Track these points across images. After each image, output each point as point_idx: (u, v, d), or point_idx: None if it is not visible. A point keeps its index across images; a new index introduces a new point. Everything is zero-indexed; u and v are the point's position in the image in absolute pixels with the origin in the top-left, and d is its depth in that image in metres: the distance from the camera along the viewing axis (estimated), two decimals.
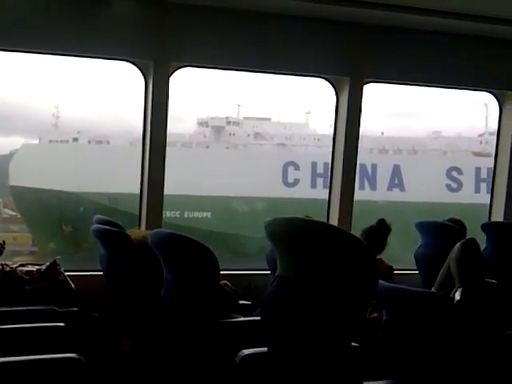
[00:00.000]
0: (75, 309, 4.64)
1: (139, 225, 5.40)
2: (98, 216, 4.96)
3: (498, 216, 6.41)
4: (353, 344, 2.79)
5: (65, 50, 5.16)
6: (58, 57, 5.34)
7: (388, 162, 14.45)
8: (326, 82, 5.82)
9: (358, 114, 5.81)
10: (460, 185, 14.31)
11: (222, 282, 4.38)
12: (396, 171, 14.21)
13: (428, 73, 5.96)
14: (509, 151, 6.33)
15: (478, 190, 14.10)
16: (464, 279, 3.90)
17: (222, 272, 3.91)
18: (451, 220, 5.55)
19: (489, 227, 5.75)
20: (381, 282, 2.97)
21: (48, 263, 4.85)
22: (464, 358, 3.41)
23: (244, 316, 4.26)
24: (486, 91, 6.41)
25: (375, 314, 4.43)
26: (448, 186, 14.29)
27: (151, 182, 5.35)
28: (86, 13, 5.04)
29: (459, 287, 3.86)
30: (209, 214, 12.99)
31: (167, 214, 10.70)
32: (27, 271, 4.78)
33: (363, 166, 13.68)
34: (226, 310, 4.18)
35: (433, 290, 4.31)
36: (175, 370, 4.21)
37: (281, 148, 14.47)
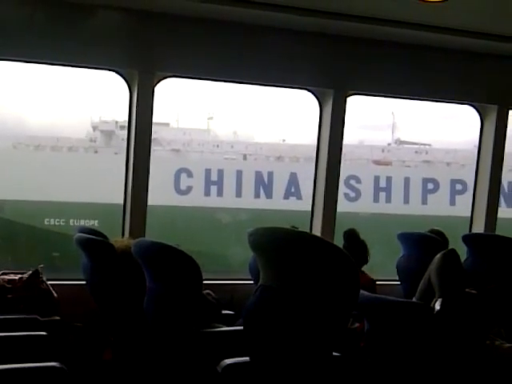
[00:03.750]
0: (57, 318, 4.62)
1: (122, 234, 5.40)
2: (81, 225, 4.95)
3: (479, 228, 6.47)
4: (335, 354, 2.81)
5: (49, 59, 5.16)
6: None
7: (285, 170, 13.94)
8: (310, 93, 5.87)
9: (341, 126, 5.86)
10: (358, 194, 13.77)
11: (205, 291, 4.39)
12: (293, 179, 13.71)
13: (411, 86, 6.03)
14: (489, 164, 6.40)
15: (376, 200, 13.65)
16: (444, 289, 3.94)
17: (205, 281, 3.92)
18: (433, 231, 5.60)
19: (469, 239, 5.81)
20: (362, 292, 3.00)
21: (30, 272, 4.83)
22: (444, 368, 3.44)
23: (227, 326, 4.27)
24: (468, 104, 6.48)
25: (357, 324, 4.45)
26: (346, 195, 13.62)
27: (135, 190, 5.36)
28: (71, 22, 5.05)
29: (439, 297, 3.89)
30: (96, 222, 12.41)
31: (51, 221, 10.47)
32: (9, 280, 4.75)
33: (259, 174, 13.46)
34: (208, 319, 4.18)
35: (414, 300, 4.35)
36: (157, 380, 4.21)
37: (174, 154, 14.01)
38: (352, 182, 13.69)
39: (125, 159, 5.50)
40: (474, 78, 6.11)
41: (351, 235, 5.22)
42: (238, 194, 13.45)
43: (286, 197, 13.67)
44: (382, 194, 13.69)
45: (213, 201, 12.70)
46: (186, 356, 3.89)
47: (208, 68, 5.47)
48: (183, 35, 5.29)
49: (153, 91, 5.31)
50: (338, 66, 5.77)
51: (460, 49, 5.88)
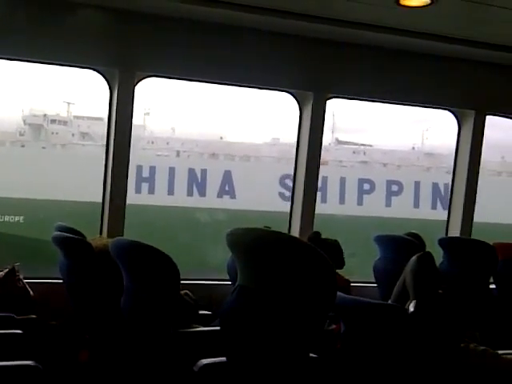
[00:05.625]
0: (33, 316, 4.60)
1: (100, 232, 5.39)
2: (59, 223, 4.93)
3: (455, 231, 6.54)
4: (311, 355, 2.83)
5: (29, 56, 5.13)
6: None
7: (219, 168, 13.82)
8: (290, 95, 5.90)
9: (320, 128, 5.89)
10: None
11: (183, 291, 4.39)
12: (227, 177, 13.65)
13: (390, 90, 6.08)
14: (466, 168, 6.47)
15: None
16: (418, 291, 3.98)
17: (183, 282, 3.93)
18: (409, 234, 5.65)
19: (445, 242, 5.87)
20: (339, 293, 3.03)
21: (7, 269, 4.80)
22: (419, 370, 3.47)
23: (204, 326, 4.28)
24: (446, 109, 6.55)
25: (333, 326, 4.48)
26: (281, 194, 13.71)
27: (114, 189, 5.35)
28: (51, 20, 5.02)
29: (413, 299, 3.93)
30: (21, 219, 12.06)
31: None
32: None
33: (192, 171, 13.23)
34: (186, 319, 4.18)
35: (389, 302, 4.39)
36: (134, 379, 4.20)
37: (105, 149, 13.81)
38: (287, 181, 13.46)
39: (104, 158, 5.48)
40: (451, 83, 6.18)
41: (314, 239, 5.18)
42: (171, 191, 13.06)
43: (220, 195, 13.53)
44: (317, 194, 13.56)
45: (144, 198, 12.37)
46: (163, 356, 3.89)
47: (188, 68, 5.47)
48: (164, 35, 5.29)
49: (133, 90, 5.30)
50: (317, 69, 5.81)
51: (438, 54, 5.94)
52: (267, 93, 6.01)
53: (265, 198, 13.64)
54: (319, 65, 5.78)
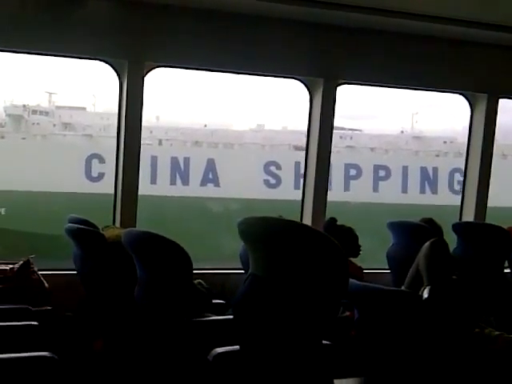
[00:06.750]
0: (49, 308, 4.63)
1: (113, 223, 5.40)
2: (72, 215, 4.95)
3: (469, 216, 6.51)
4: (325, 342, 2.83)
5: (39, 49, 5.15)
6: None
7: (202, 156, 13.59)
8: (300, 83, 5.87)
9: (331, 115, 5.86)
10: (279, 180, 13.51)
11: (196, 281, 4.40)
12: (210, 165, 13.36)
13: (401, 75, 6.04)
14: (480, 153, 6.43)
15: (297, 186, 12.69)
16: (432, 277, 3.97)
17: (196, 271, 3.93)
18: (423, 220, 5.62)
19: (459, 227, 5.84)
20: (352, 280, 3.02)
21: (21, 262, 4.83)
22: (434, 355, 3.47)
23: (218, 315, 4.29)
24: (458, 93, 6.50)
25: (347, 313, 4.48)
26: (266, 182, 13.51)
27: (125, 180, 5.36)
28: (61, 12, 5.02)
29: (427, 285, 3.92)
30: (2, 210, 11.87)
31: None
32: (0, 270, 4.76)
33: (175, 159, 13.00)
34: (199, 309, 4.19)
35: (402, 288, 4.38)
36: (148, 369, 4.23)
37: (87, 139, 13.64)
38: (272, 168, 13.44)
39: (115, 149, 5.48)
40: (463, 66, 6.12)
41: (330, 225, 5.18)
42: (153, 180, 13.01)
43: (204, 183, 13.34)
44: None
45: None
46: (177, 345, 3.90)
47: (197, 58, 5.46)
48: (173, 25, 5.28)
49: (143, 81, 5.30)
50: (327, 56, 5.77)
51: (450, 38, 5.89)
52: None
53: (249, 185, 13.52)
54: (329, 51, 5.74)
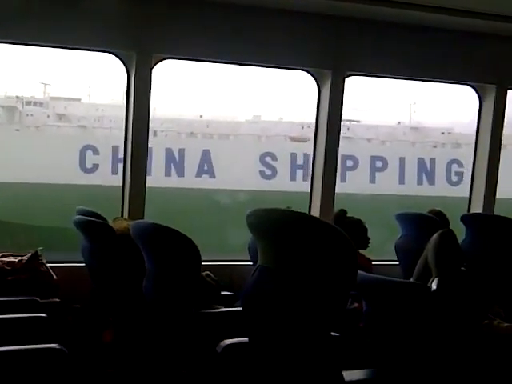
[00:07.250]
0: (57, 299, 4.64)
1: (122, 215, 5.41)
2: (81, 207, 4.96)
3: (477, 208, 6.49)
4: (333, 334, 2.82)
5: (45, 41, 5.15)
6: None
7: (197, 147, 13.56)
8: (308, 74, 5.85)
9: (339, 107, 5.85)
10: (274, 171, 13.52)
11: (205, 272, 4.40)
12: (205, 157, 13.36)
13: (409, 66, 6.01)
14: (488, 144, 6.40)
15: (293, 178, 13.27)
16: (440, 269, 3.96)
17: (204, 263, 3.93)
18: (432, 211, 5.61)
19: (468, 219, 5.82)
20: (360, 272, 3.01)
21: (30, 254, 4.84)
22: (442, 347, 3.46)
23: (226, 307, 4.29)
24: (467, 85, 6.46)
25: (356, 305, 4.47)
26: (262, 173, 13.49)
27: (133, 172, 5.37)
28: (68, 3, 5.02)
29: (436, 277, 3.91)
30: None
31: None
32: (9, 262, 4.77)
33: (169, 151, 12.95)
34: (207, 300, 4.20)
35: (411, 280, 4.37)
36: (157, 360, 4.24)
37: (81, 130, 13.56)
38: (267, 159, 13.42)
39: (123, 141, 5.49)
40: (472, 58, 6.09)
41: (340, 217, 5.17)
42: (148, 171, 12.99)
43: (199, 175, 13.30)
44: (300, 172, 13.17)
45: (120, 179, 12.33)
46: (185, 337, 3.91)
47: (205, 49, 5.45)
48: (181, 16, 5.27)
49: (151, 73, 5.29)
50: (336, 47, 5.75)
51: (458, 29, 5.85)
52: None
53: (245, 177, 13.46)
54: (337, 43, 5.73)
